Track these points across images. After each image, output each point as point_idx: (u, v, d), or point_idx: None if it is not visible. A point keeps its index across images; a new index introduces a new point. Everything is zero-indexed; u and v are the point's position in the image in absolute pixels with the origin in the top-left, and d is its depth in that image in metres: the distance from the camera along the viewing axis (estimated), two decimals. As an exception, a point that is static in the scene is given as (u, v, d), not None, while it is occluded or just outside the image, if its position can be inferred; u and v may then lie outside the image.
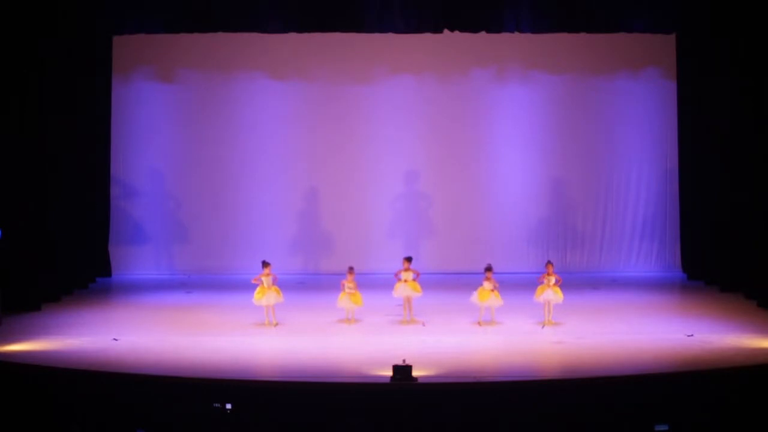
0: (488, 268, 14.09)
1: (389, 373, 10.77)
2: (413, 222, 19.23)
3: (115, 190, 18.73)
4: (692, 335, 13.20)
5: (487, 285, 14.05)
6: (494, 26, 16.96)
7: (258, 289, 14.12)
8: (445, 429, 10.23)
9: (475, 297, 14.12)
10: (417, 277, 14.39)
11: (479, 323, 14.08)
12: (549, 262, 14.34)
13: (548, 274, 14.06)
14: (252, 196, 19.10)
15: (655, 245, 19.27)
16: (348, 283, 14.21)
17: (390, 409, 10.28)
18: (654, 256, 19.29)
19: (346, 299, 14.21)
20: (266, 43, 18.35)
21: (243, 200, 19.11)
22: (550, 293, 14.01)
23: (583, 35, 17.77)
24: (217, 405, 10.17)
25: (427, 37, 17.49)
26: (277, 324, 14.04)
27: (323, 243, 19.17)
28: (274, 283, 14.13)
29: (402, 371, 10.71)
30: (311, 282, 17.89)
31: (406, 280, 14.35)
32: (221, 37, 17.85)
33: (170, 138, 19.04)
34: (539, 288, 14.12)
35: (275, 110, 19.05)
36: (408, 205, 19.20)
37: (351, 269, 14.30)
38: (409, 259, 14.51)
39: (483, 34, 17.31)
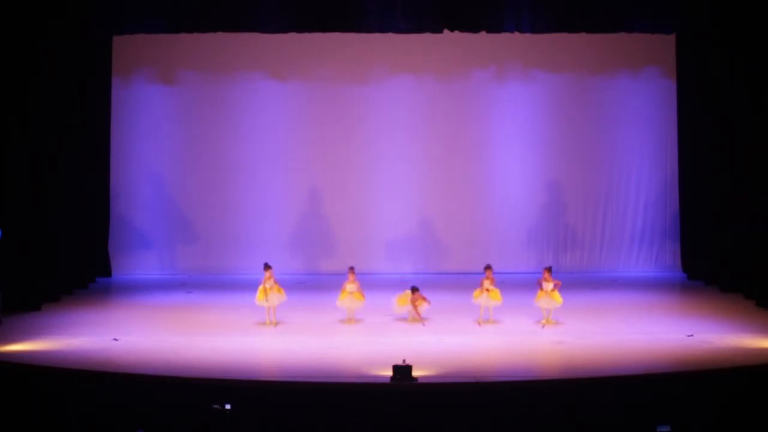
0: (487, 267, 14.14)
1: (389, 373, 10.78)
2: (413, 222, 19.21)
3: (115, 190, 18.72)
4: (692, 335, 13.21)
5: (486, 284, 14.08)
6: (494, 26, 16.92)
7: (260, 289, 14.10)
8: (445, 429, 10.23)
9: (478, 296, 14.18)
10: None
11: (479, 322, 14.09)
12: (547, 268, 14.29)
13: (545, 280, 14.05)
14: (252, 196, 19.09)
15: (655, 245, 19.26)
16: (349, 284, 14.21)
17: (390, 409, 10.28)
18: (654, 256, 19.29)
19: (347, 299, 14.21)
20: (266, 43, 18.33)
21: (243, 200, 19.10)
22: (547, 300, 13.99)
23: (583, 35, 17.72)
24: (216, 406, 10.16)
25: (427, 37, 17.44)
26: (276, 324, 14.03)
27: (323, 243, 19.16)
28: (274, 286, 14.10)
29: (402, 371, 10.71)
30: (311, 282, 17.87)
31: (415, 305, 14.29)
32: (221, 37, 17.81)
33: (170, 138, 19.02)
34: (538, 293, 14.12)
35: (275, 110, 19.04)
36: (408, 204, 19.17)
37: (351, 269, 14.31)
38: (414, 290, 14.39)
39: (483, 34, 17.28)
